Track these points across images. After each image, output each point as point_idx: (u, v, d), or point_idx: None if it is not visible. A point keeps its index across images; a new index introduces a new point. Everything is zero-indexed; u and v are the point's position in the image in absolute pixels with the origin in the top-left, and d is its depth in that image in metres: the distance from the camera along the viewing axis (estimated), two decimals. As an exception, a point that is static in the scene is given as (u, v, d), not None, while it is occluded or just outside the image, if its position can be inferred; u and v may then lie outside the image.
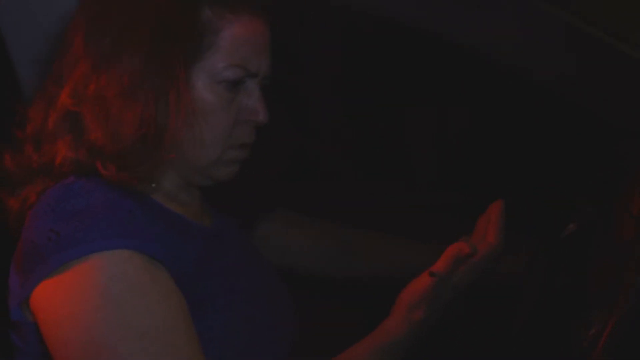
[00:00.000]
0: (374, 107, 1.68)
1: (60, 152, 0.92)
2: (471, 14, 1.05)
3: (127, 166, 0.90)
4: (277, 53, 1.03)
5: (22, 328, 0.91)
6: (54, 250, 0.83)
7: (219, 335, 0.93)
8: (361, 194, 1.61)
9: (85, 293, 0.82)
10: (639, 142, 1.07)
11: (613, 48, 1.02)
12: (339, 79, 1.67)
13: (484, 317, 1.27)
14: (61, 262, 0.83)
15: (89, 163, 0.91)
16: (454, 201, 1.56)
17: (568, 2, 1.02)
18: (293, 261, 1.28)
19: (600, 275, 0.99)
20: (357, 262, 1.29)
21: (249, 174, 1.04)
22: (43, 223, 0.86)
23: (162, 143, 0.91)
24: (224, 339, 0.93)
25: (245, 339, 0.96)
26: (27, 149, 0.95)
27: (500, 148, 1.59)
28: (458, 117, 1.67)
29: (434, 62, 1.51)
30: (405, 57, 1.56)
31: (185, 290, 0.88)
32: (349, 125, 1.72)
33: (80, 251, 0.83)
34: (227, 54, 0.95)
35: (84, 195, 0.87)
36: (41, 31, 1.20)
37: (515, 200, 1.04)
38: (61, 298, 0.83)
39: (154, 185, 0.96)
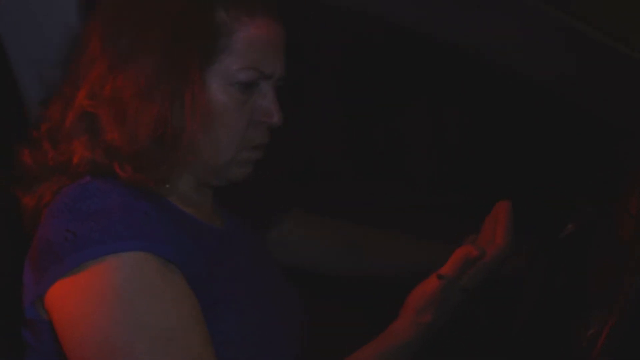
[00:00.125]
0: (374, 108, 1.68)
1: (77, 151, 0.92)
2: (471, 14, 1.05)
3: (144, 167, 0.91)
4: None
5: (36, 326, 0.91)
6: (70, 250, 0.83)
7: (231, 337, 0.93)
8: (360, 194, 1.61)
9: (100, 293, 0.82)
10: (639, 142, 1.07)
11: (613, 48, 1.02)
12: (338, 79, 1.67)
13: (484, 317, 1.27)
14: (77, 262, 0.83)
15: (105, 163, 0.91)
16: (454, 201, 1.56)
17: (568, 3, 1.02)
18: (306, 260, 1.29)
19: (600, 275, 0.99)
20: (369, 261, 1.29)
21: (261, 174, 1.04)
22: (59, 222, 0.86)
23: (180, 145, 0.91)
24: (235, 340, 0.93)
25: (256, 340, 0.96)
26: (45, 146, 0.95)
27: (500, 148, 1.59)
28: (458, 117, 1.67)
29: (434, 63, 1.51)
30: (406, 57, 1.56)
31: (198, 292, 0.88)
32: (349, 126, 1.72)
33: (96, 252, 0.83)
34: (241, 56, 0.95)
35: (100, 196, 0.87)
36: (39, 32, 1.20)
37: (515, 201, 1.03)
38: (76, 298, 0.83)
39: (168, 186, 0.96)
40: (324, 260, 1.30)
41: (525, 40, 1.06)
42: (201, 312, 0.87)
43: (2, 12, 1.18)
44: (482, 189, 1.49)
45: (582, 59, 1.06)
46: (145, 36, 0.92)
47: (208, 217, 1.04)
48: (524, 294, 1.09)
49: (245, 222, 1.15)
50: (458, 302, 0.96)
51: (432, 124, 1.68)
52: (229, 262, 1.00)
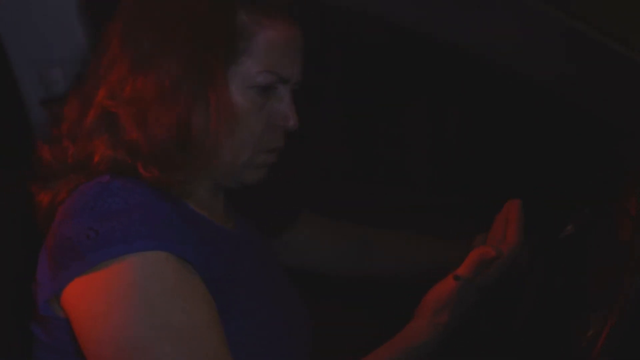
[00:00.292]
0: (374, 108, 1.68)
1: (99, 150, 0.92)
2: (471, 14, 1.05)
3: (169, 169, 0.91)
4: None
5: (50, 323, 0.91)
6: (92, 248, 0.83)
7: (244, 339, 0.93)
8: (360, 195, 1.61)
9: (121, 292, 0.82)
10: (639, 143, 1.07)
11: (613, 49, 1.02)
12: (338, 79, 1.67)
13: (484, 317, 1.27)
14: (99, 260, 0.83)
15: (127, 163, 0.91)
16: (454, 202, 1.56)
17: (568, 3, 1.01)
18: (313, 261, 1.29)
19: (600, 276, 0.99)
20: (376, 260, 1.29)
21: (272, 177, 1.04)
22: (81, 220, 0.85)
23: (204, 147, 0.91)
24: (247, 343, 0.93)
25: (266, 343, 0.96)
26: (65, 142, 0.95)
27: (500, 149, 1.59)
28: (458, 117, 1.67)
29: (434, 63, 1.51)
30: (406, 58, 1.56)
31: (214, 294, 0.88)
32: (349, 126, 1.72)
33: (118, 250, 0.83)
34: (260, 60, 0.95)
35: (122, 195, 0.86)
36: (39, 32, 1.20)
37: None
38: (96, 296, 0.83)
39: (188, 188, 0.96)
40: (331, 260, 1.30)
41: (525, 40, 1.06)
42: (217, 313, 0.87)
43: (2, 12, 1.19)
44: (482, 190, 1.49)
45: (582, 59, 1.06)
46: (168, 39, 0.92)
47: (222, 220, 1.04)
48: (524, 294, 1.09)
49: (252, 224, 1.15)
50: (474, 302, 0.96)
51: (433, 124, 1.68)
52: (241, 265, 1.00)
